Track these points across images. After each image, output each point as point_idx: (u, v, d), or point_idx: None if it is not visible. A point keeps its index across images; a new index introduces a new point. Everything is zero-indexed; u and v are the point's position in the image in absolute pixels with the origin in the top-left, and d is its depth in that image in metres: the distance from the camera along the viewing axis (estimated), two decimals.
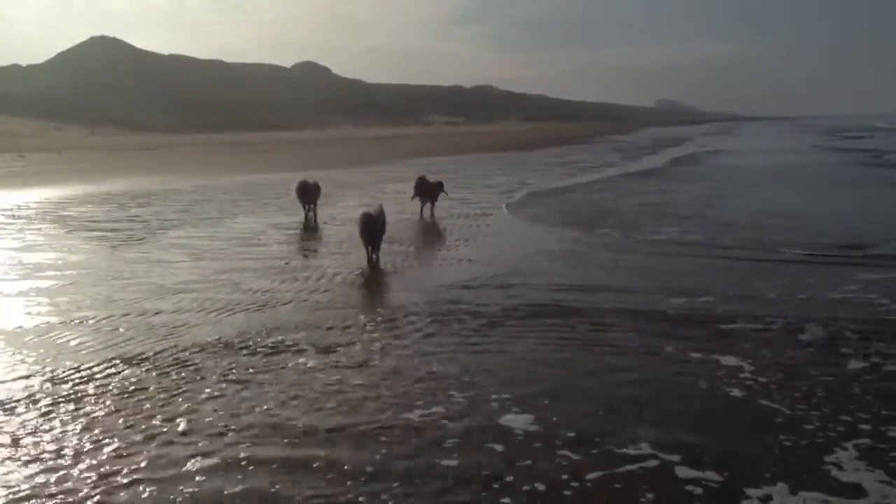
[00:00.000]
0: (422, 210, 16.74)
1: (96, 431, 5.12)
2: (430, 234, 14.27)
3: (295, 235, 13.97)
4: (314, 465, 4.62)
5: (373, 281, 9.98)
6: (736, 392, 5.68)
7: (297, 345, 7.04)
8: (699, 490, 4.30)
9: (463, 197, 19.96)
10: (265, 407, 5.54)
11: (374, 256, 11.00)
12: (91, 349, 6.95)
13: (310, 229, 15.11)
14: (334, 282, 9.80)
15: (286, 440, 4.99)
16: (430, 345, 6.99)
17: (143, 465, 4.65)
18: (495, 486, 4.36)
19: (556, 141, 68.86)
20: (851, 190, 21.57)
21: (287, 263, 11.16)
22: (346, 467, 4.59)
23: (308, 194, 16.62)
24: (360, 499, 4.23)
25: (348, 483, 4.41)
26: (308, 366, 6.44)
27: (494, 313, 8.01)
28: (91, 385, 6.00)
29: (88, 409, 5.52)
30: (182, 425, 5.22)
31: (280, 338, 7.26)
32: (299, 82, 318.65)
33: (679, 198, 19.67)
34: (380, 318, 7.93)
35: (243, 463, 4.67)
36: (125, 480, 4.47)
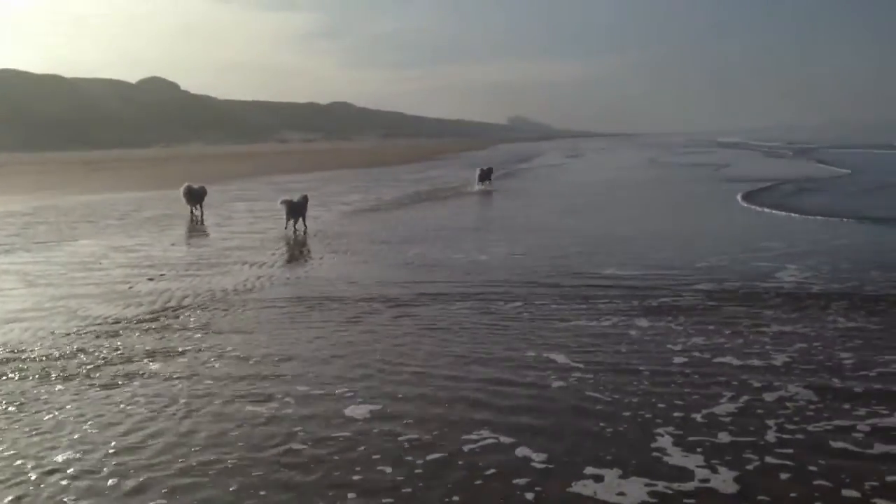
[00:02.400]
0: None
1: None
2: (273, 253, 14.08)
3: (139, 258, 13.35)
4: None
5: (220, 300, 9.71)
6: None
7: (136, 372, 6.78)
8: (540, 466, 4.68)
9: (316, 215, 19.83)
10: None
11: (299, 228, 16.25)
12: None
13: (196, 231, 14.87)
14: (183, 305, 9.49)
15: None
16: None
17: None
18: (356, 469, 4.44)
19: (414, 157, 69.61)
20: (673, 209, 23.16)
21: (130, 288, 10.68)
22: None
23: (194, 197, 19.90)
24: None
25: None
26: (139, 391, 6.23)
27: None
28: None
29: None
30: None
31: (118, 368, 6.97)
32: (146, 98, 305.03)
33: (492, 214, 20.48)
34: (220, 342, 7.79)
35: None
36: None
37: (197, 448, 5.12)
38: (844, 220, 15.92)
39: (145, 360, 7.13)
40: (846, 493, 4.27)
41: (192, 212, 19.93)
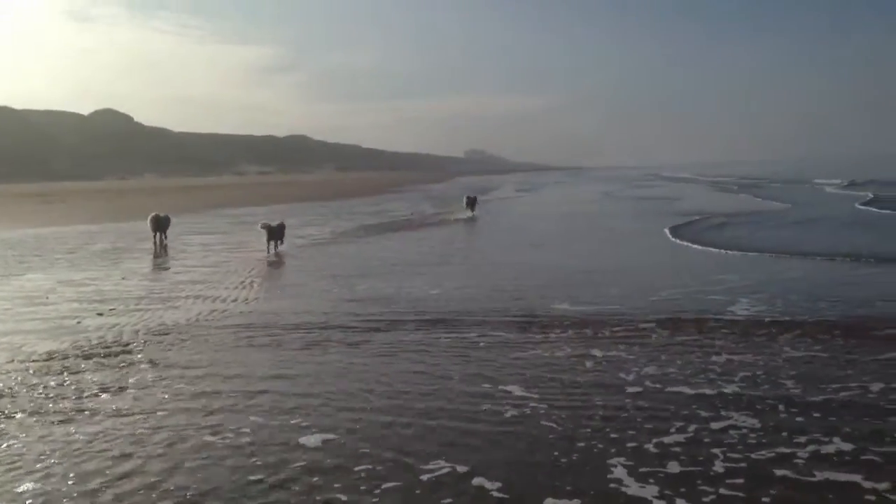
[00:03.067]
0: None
1: None
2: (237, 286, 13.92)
3: (89, 292, 13.07)
4: None
5: (171, 334, 9.54)
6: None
7: (83, 408, 6.63)
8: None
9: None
10: None
11: (274, 248, 18.70)
12: None
13: (148, 264, 14.66)
14: (132, 340, 9.30)
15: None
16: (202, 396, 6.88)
17: None
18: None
19: (371, 190, 69.65)
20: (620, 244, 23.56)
21: (79, 323, 10.45)
22: None
23: (161, 225, 21.55)
24: None
25: None
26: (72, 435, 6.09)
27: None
28: None
29: None
30: None
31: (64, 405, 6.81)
32: (98, 130, 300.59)
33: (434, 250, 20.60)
34: (176, 374, 7.66)
35: None
36: None
37: (151, 482, 5.02)
38: (786, 256, 16.34)
39: (93, 396, 6.97)
40: None
41: (154, 240, 21.45)
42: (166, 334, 9.59)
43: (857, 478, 4.84)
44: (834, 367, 7.36)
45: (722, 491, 4.73)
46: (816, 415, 6.03)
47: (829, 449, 5.31)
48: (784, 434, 5.63)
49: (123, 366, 8.07)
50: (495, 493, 4.80)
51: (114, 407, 6.67)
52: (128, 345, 9.02)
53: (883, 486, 4.70)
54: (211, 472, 5.19)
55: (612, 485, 4.87)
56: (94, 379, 7.56)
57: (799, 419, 5.94)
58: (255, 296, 12.52)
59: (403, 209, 39.68)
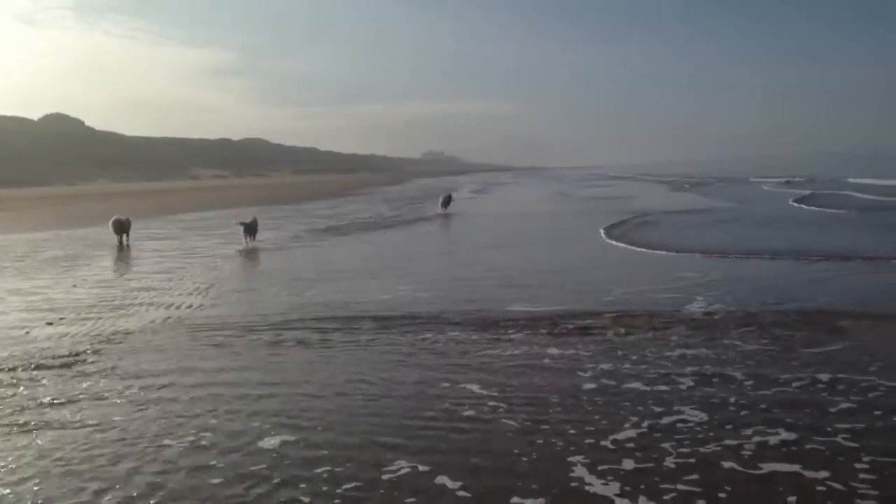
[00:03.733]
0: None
1: None
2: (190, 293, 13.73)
3: (38, 301, 12.77)
4: None
5: (123, 343, 9.39)
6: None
7: (32, 420, 6.50)
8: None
9: (227, 253, 19.46)
10: None
11: (250, 241, 21.20)
12: None
13: (121, 258, 14.27)
14: (84, 349, 9.12)
15: None
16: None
17: None
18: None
19: (328, 193, 69.14)
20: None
21: (27, 333, 10.21)
22: None
23: (123, 228, 23.27)
24: None
25: None
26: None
27: None
28: None
29: None
30: None
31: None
32: (48, 135, 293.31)
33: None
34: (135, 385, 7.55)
35: None
36: None
37: (106, 488, 4.95)
38: (737, 256, 16.72)
39: (42, 408, 6.84)
40: None
41: (119, 241, 23.13)
42: (119, 343, 9.43)
43: (797, 468, 4.99)
44: (782, 360, 7.56)
45: (680, 487, 4.79)
46: (763, 406, 6.20)
47: (774, 440, 5.46)
48: (729, 427, 5.77)
49: (74, 376, 7.91)
50: (459, 493, 4.83)
51: (60, 419, 6.54)
52: (78, 354, 8.84)
53: (822, 475, 4.86)
54: (168, 478, 5.15)
55: (573, 483, 4.92)
56: (43, 390, 7.40)
57: (745, 412, 6.10)
58: (210, 302, 12.36)
59: (361, 212, 39.56)
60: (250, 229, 21.61)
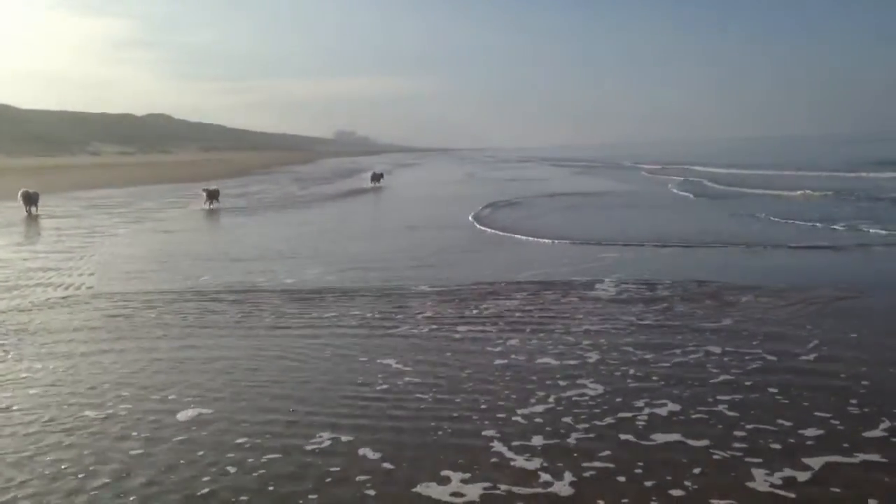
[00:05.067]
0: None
1: None
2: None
3: None
4: None
5: (19, 325, 9.04)
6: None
7: None
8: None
9: (125, 232, 18.85)
10: None
11: (211, 204, 26.36)
12: None
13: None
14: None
15: None
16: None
17: None
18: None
19: (237, 172, 67.42)
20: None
21: None
22: None
23: (31, 200, 25.41)
24: None
25: None
26: None
27: None
28: None
29: None
30: None
31: None
32: None
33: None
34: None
35: None
36: None
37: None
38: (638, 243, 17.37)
39: None
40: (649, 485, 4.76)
41: (28, 211, 25.14)
42: (13, 326, 9.07)
43: (677, 436, 5.28)
44: (677, 334, 7.98)
45: (596, 464, 4.88)
46: (655, 378, 6.57)
47: (663, 412, 5.80)
48: (620, 399, 6.07)
49: None
50: (385, 465, 4.91)
51: None
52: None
53: (703, 443, 5.18)
54: (82, 462, 5.07)
55: (493, 459, 4.99)
56: None
57: (636, 385, 6.42)
58: (109, 281, 12.03)
59: (271, 191, 38.90)
60: (213, 195, 26.98)
